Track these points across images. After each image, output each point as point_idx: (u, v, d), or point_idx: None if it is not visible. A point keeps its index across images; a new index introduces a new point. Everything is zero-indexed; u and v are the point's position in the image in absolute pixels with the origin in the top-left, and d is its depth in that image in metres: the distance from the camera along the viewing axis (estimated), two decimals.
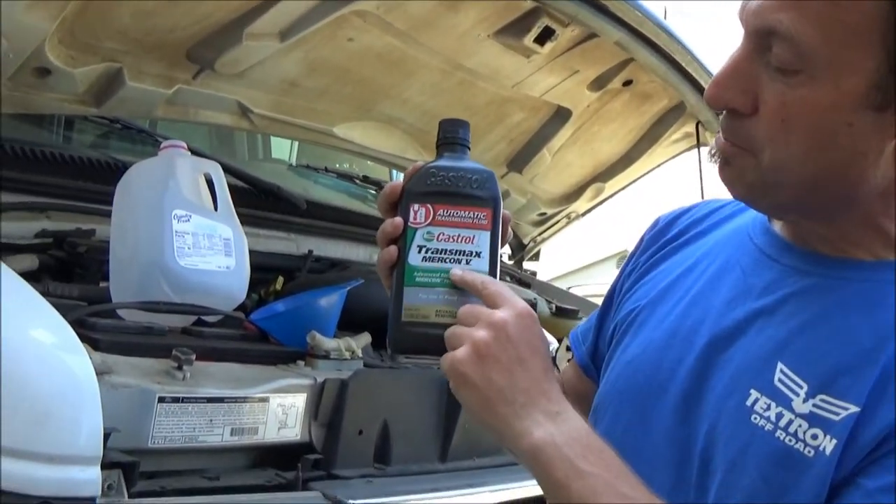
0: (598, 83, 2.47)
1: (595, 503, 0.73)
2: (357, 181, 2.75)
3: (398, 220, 0.86)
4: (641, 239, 1.02)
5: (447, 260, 0.85)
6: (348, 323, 1.79)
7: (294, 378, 1.52)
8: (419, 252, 0.85)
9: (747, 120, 0.77)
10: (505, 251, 3.17)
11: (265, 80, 2.10)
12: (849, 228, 0.80)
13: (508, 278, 2.85)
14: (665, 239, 0.99)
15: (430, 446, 1.68)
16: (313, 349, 1.63)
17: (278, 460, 1.48)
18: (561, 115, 2.59)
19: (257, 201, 2.20)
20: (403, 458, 1.62)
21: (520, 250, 3.08)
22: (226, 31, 1.90)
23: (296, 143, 3.01)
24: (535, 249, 3.11)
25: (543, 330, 0.84)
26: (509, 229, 0.91)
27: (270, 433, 1.45)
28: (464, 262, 0.85)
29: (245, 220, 1.91)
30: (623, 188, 2.96)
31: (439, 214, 0.86)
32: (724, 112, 0.80)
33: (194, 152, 2.00)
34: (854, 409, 0.73)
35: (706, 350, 0.83)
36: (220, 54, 1.94)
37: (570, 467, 0.74)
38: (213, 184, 1.74)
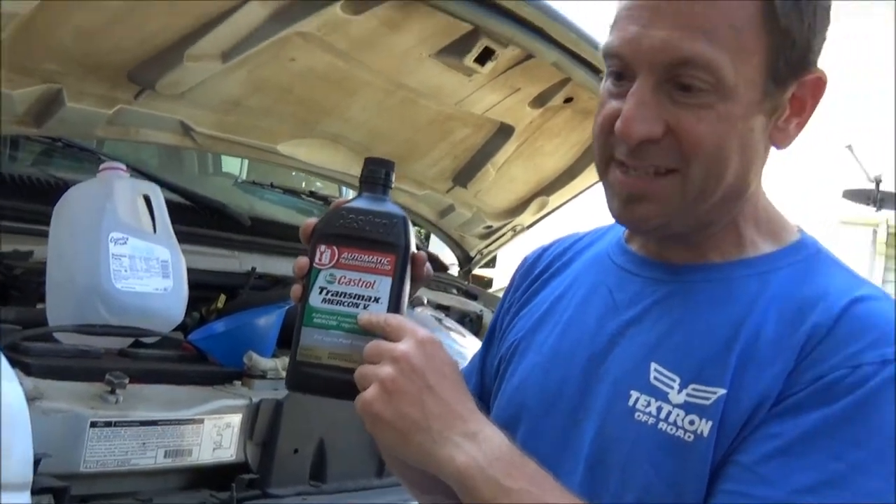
0: (540, 100, 2.52)
1: None
2: (303, 196, 2.78)
3: (305, 259, 0.88)
4: (513, 278, 1.09)
5: (345, 304, 0.86)
6: (289, 341, 1.82)
7: (229, 399, 1.55)
8: (320, 293, 0.86)
9: (661, 143, 0.83)
10: (453, 263, 3.22)
11: (208, 100, 2.12)
12: (716, 232, 0.89)
13: (455, 291, 2.90)
14: (534, 275, 1.05)
15: (367, 462, 1.71)
16: (250, 369, 1.66)
17: (214, 481, 1.51)
18: (504, 132, 2.63)
19: (201, 219, 2.22)
20: (339, 476, 1.65)
21: (466, 263, 3.12)
22: (167, 53, 1.92)
23: None
24: (482, 261, 3.15)
25: (449, 353, 0.86)
26: (426, 268, 0.92)
27: (205, 454, 1.47)
28: (361, 306, 0.86)
29: (188, 238, 1.94)
30: (567, 201, 3.01)
31: (343, 257, 0.87)
32: (629, 148, 0.84)
33: (137, 170, 2.03)
34: (722, 391, 0.81)
35: (586, 366, 0.90)
36: (161, 75, 1.96)
37: (496, 487, 0.78)
38: (152, 205, 1.76)
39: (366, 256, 0.87)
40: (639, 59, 0.82)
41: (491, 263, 3.89)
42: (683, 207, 0.85)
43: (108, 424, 1.35)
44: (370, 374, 0.81)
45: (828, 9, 0.86)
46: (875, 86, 9.47)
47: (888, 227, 8.29)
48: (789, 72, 0.84)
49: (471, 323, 2.73)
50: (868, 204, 8.43)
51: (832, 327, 0.81)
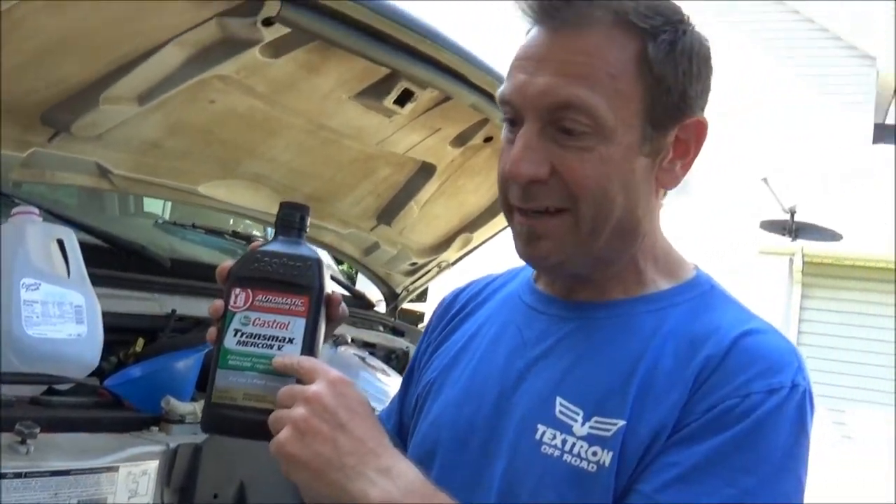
0: (460, 140, 2.58)
1: None
2: (226, 236, 2.76)
3: (220, 302, 0.90)
4: (430, 319, 1.14)
5: (259, 345, 0.87)
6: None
7: (146, 445, 1.52)
8: (235, 335, 0.88)
9: (549, 184, 0.89)
10: (380, 300, 3.23)
11: (125, 142, 2.11)
12: (617, 270, 0.95)
13: (381, 328, 2.91)
14: (450, 315, 1.11)
15: None
16: (168, 414, 1.64)
17: None
18: (426, 170, 2.68)
19: (120, 261, 2.19)
20: None
21: (393, 299, 3.14)
22: (81, 96, 1.91)
23: None
24: (408, 298, 3.18)
25: (361, 392, 0.88)
26: (342, 309, 0.95)
27: (120, 503, 1.45)
28: (276, 347, 0.87)
29: (107, 282, 1.91)
30: (491, 237, 3.07)
31: (258, 300, 0.89)
32: (523, 188, 0.90)
33: (53, 213, 1.99)
34: (622, 422, 0.86)
35: (496, 401, 0.94)
36: (76, 118, 1.94)
37: None
38: (65, 249, 1.73)
39: (279, 299, 0.89)
40: (525, 105, 0.89)
41: (422, 297, 3.90)
42: (579, 244, 0.91)
43: (19, 476, 1.32)
44: (283, 416, 0.83)
45: (706, 58, 0.93)
46: (789, 122, 9.88)
47: (803, 256, 8.61)
48: (667, 117, 0.90)
49: (397, 360, 2.75)
50: (784, 234, 8.76)
51: (723, 359, 0.86)
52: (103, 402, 1.67)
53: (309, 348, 0.89)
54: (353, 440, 0.83)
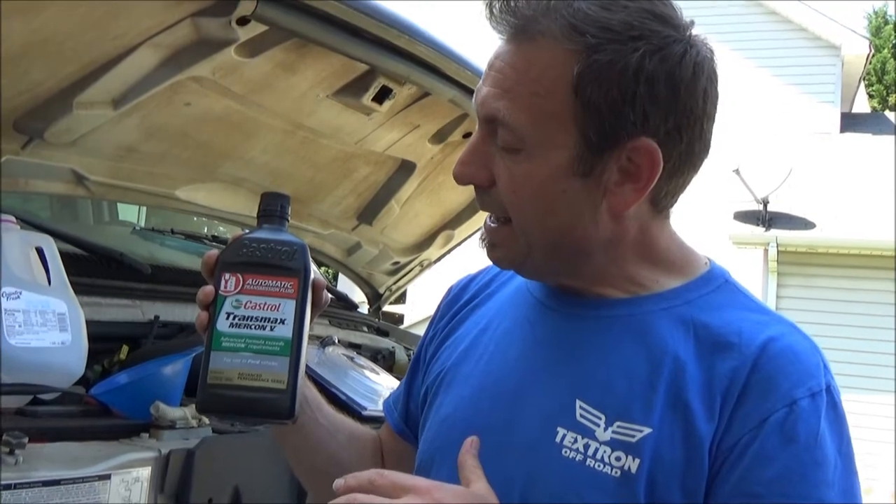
0: (439, 136, 2.56)
1: None
2: (206, 241, 2.73)
3: (210, 288, 0.91)
4: (438, 307, 1.11)
5: (252, 326, 0.90)
6: (196, 390, 1.77)
7: (137, 452, 1.50)
8: (227, 318, 0.90)
9: (491, 192, 0.89)
10: (363, 301, 3.21)
11: (101, 147, 2.08)
12: (598, 275, 0.92)
13: (366, 329, 2.89)
14: (459, 304, 1.08)
15: None
16: (158, 420, 1.61)
17: None
18: (406, 168, 2.66)
19: (99, 269, 2.16)
20: None
21: (376, 300, 3.12)
22: (54, 101, 1.87)
23: None
24: (392, 297, 3.16)
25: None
26: (325, 295, 0.96)
27: None
28: (268, 328, 0.90)
29: (87, 290, 1.88)
30: (472, 234, 3.06)
31: (248, 283, 0.90)
32: (476, 193, 0.91)
33: (28, 222, 1.96)
34: (647, 429, 0.83)
35: (512, 399, 0.92)
36: (49, 124, 1.90)
37: None
38: (45, 257, 1.70)
39: (270, 281, 0.91)
40: (476, 112, 0.90)
41: (401, 299, 3.89)
42: (525, 254, 0.90)
43: (9, 487, 1.28)
44: None
45: (670, 79, 0.84)
46: (758, 114, 9.99)
47: (777, 245, 8.69)
48: (602, 140, 0.85)
49: (383, 360, 2.73)
50: (757, 224, 8.84)
51: (754, 370, 0.84)
52: (91, 411, 1.64)
53: (299, 329, 0.91)
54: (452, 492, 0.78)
